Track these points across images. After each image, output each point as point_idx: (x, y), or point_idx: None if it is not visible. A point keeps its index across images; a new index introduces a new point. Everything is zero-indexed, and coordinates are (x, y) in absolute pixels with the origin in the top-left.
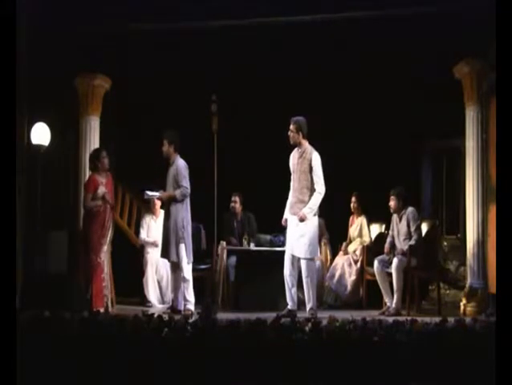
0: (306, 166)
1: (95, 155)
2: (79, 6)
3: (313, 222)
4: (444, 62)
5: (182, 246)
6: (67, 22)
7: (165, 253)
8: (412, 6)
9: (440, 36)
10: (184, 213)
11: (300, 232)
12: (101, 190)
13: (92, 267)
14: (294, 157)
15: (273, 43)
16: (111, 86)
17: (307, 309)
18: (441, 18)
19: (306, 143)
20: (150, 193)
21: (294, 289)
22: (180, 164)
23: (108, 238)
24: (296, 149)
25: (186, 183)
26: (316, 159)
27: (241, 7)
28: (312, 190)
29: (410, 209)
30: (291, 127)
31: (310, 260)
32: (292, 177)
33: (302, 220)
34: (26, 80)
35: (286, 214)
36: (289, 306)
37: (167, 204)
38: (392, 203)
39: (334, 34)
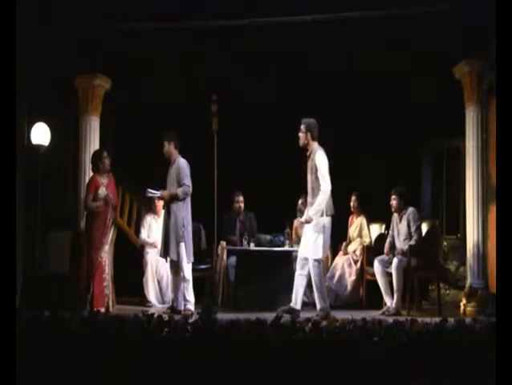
0: (312, 166)
1: (96, 155)
2: (79, 5)
3: (320, 222)
4: (444, 62)
5: (182, 245)
6: (67, 22)
7: (165, 252)
8: (412, 6)
9: (440, 36)
10: (184, 212)
11: (309, 232)
12: (102, 191)
13: (94, 267)
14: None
15: (273, 43)
16: (111, 86)
17: (318, 310)
18: (441, 18)
19: (314, 144)
20: (152, 191)
21: (301, 289)
22: (182, 162)
23: (110, 238)
24: (307, 152)
25: (188, 181)
26: (320, 157)
27: (241, 7)
28: (319, 190)
29: (411, 210)
30: (301, 127)
31: (317, 261)
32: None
33: (307, 222)
34: (26, 80)
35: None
36: (291, 303)
37: (167, 203)
38: (394, 202)
39: (334, 34)
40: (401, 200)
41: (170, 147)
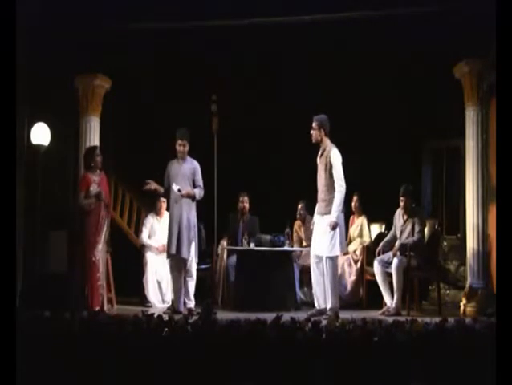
0: (326, 164)
1: (88, 153)
2: (79, 5)
3: (338, 220)
4: (444, 62)
5: (193, 244)
6: (67, 22)
7: (177, 251)
8: (412, 6)
9: (440, 36)
10: (195, 212)
11: (324, 231)
12: (94, 188)
13: (88, 266)
14: (318, 156)
15: (273, 43)
16: (111, 86)
17: (327, 310)
18: (441, 18)
19: (327, 141)
20: (179, 189)
21: (320, 288)
22: (197, 164)
23: (103, 237)
24: (320, 148)
25: (202, 184)
26: (335, 154)
27: (241, 7)
28: (333, 188)
29: (419, 215)
30: (313, 124)
31: (331, 258)
32: (317, 176)
33: (333, 228)
34: (26, 80)
35: (315, 215)
36: (316, 306)
37: (179, 202)
38: (402, 203)
39: (334, 34)
40: (410, 201)
41: (187, 148)
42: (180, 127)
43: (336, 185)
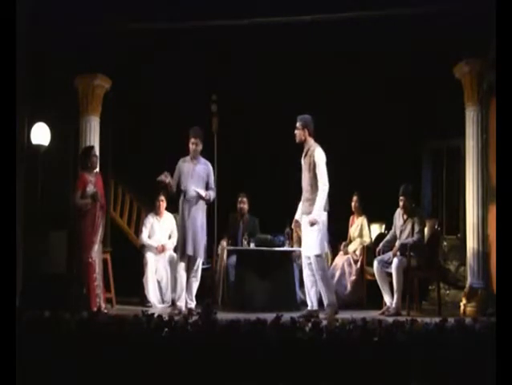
0: (310, 163)
1: (85, 153)
2: (79, 5)
3: (320, 218)
4: (444, 62)
5: (204, 247)
6: (67, 22)
7: (195, 251)
8: (412, 6)
9: (440, 36)
10: (205, 214)
11: (309, 230)
12: (90, 189)
13: (84, 266)
14: (302, 156)
15: (273, 43)
16: (111, 86)
17: (325, 306)
18: (441, 18)
19: (311, 141)
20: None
21: (313, 290)
22: (210, 165)
23: (99, 237)
24: (304, 148)
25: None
26: (319, 154)
27: (241, 7)
28: (316, 187)
29: (419, 215)
30: (297, 124)
31: (319, 256)
32: (302, 176)
33: (313, 224)
34: (26, 80)
35: (298, 214)
36: (308, 307)
37: (195, 203)
38: (402, 203)
39: (334, 34)
40: (409, 201)
41: (201, 146)
42: (194, 126)
43: (319, 184)
